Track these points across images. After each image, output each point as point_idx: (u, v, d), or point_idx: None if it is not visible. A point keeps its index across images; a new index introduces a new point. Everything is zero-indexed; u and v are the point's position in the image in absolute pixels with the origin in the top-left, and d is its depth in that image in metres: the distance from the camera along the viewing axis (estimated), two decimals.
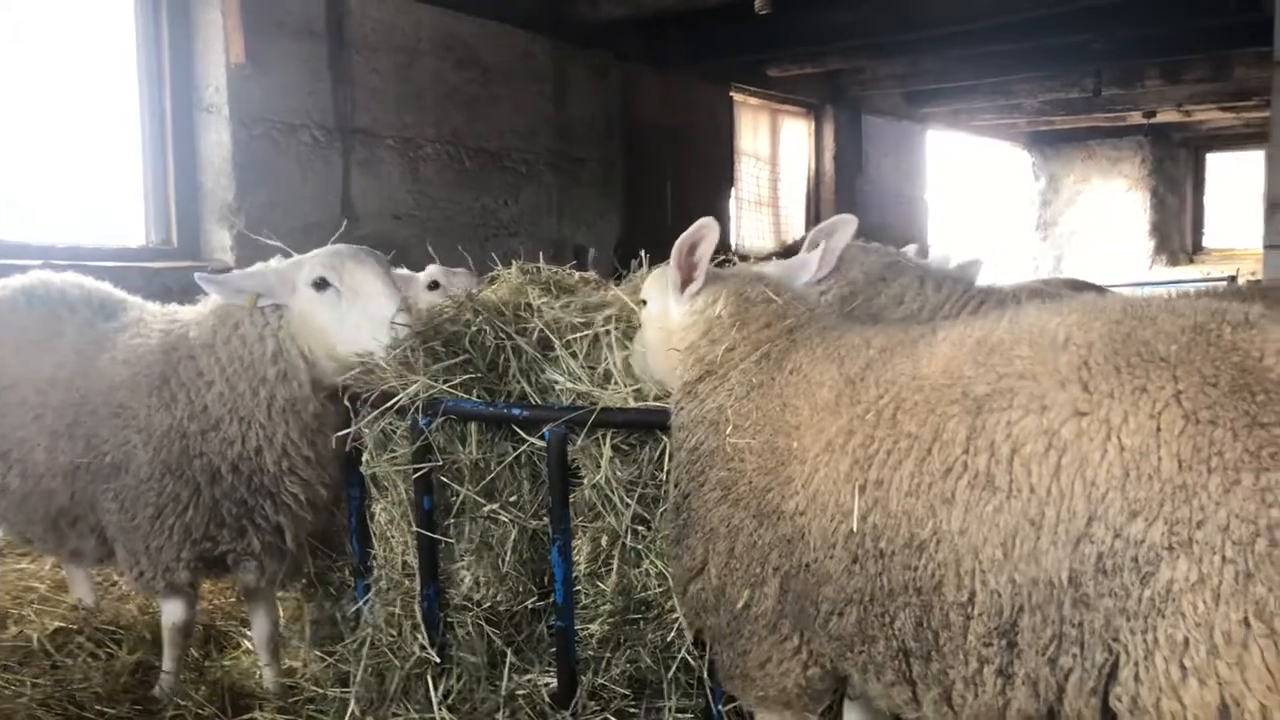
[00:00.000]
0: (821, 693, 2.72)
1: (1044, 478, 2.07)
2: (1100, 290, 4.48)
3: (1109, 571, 1.98)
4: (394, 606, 3.64)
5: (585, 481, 3.37)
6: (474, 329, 3.63)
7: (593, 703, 3.39)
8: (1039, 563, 2.06)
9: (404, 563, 3.66)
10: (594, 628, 3.41)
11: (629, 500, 3.32)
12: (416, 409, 3.42)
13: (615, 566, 3.38)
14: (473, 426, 3.49)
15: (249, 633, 4.27)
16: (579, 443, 3.34)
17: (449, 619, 3.56)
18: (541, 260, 4.40)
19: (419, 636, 3.54)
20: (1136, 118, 16.05)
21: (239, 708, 3.82)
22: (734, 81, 11.83)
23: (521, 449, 3.45)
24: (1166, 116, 15.90)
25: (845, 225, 3.71)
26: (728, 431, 2.72)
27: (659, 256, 3.51)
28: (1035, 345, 2.22)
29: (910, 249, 4.38)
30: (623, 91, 10.06)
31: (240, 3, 6.70)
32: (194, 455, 3.59)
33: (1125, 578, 1.96)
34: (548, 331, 3.66)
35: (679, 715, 3.33)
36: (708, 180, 11.36)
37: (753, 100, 12.58)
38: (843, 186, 13.65)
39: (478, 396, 3.48)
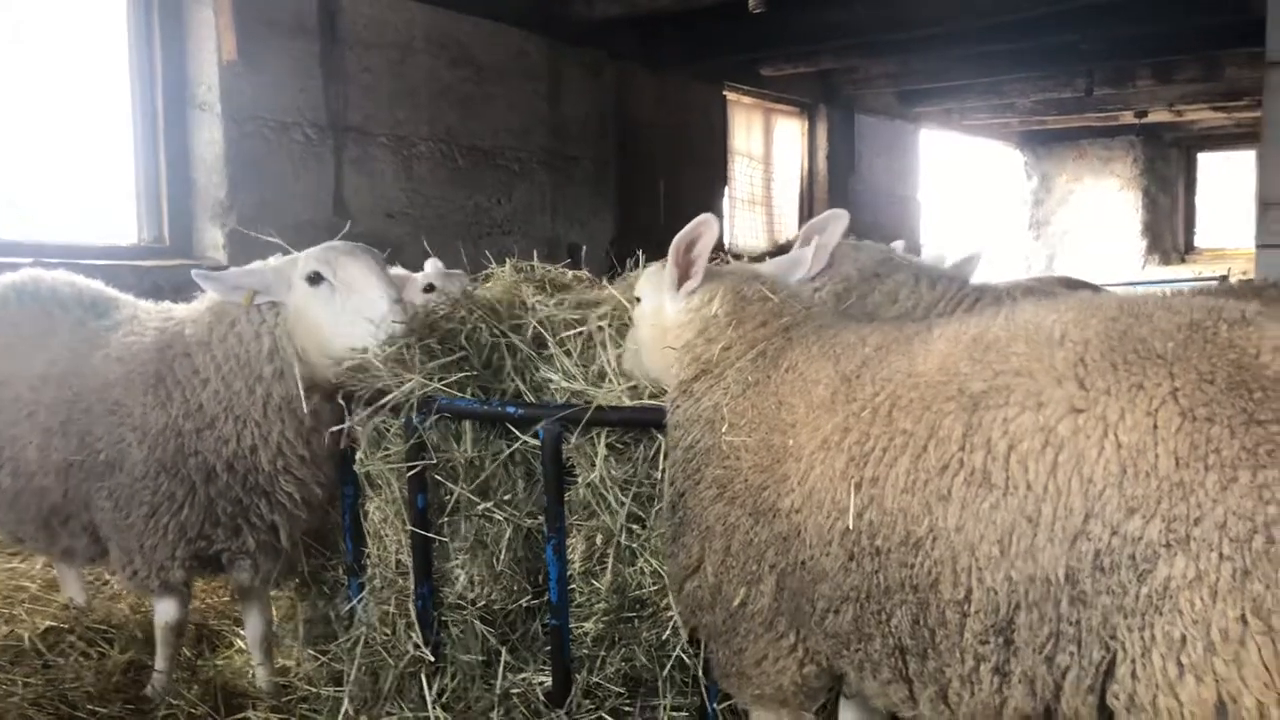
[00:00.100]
0: (817, 691, 2.72)
1: (1041, 475, 2.07)
2: (1095, 288, 4.49)
3: (1106, 569, 1.98)
4: (388, 605, 3.63)
5: (580, 480, 3.37)
6: (469, 326, 3.62)
7: (587, 701, 3.39)
8: (1036, 560, 2.06)
9: (398, 561, 3.66)
10: (589, 626, 3.41)
11: (623, 498, 3.31)
12: (411, 407, 3.41)
13: (610, 565, 3.38)
14: (467, 424, 3.49)
15: (242, 632, 4.26)
16: (574, 441, 3.33)
17: (443, 617, 3.55)
18: (535, 258, 4.40)
19: (413, 635, 3.53)
20: (1128, 117, 16.08)
21: (232, 707, 3.81)
22: (727, 80, 11.83)
23: (515, 446, 3.44)
24: (1158, 116, 15.95)
25: (837, 221, 3.70)
26: (724, 429, 2.72)
27: (653, 255, 3.50)
28: (1031, 342, 2.22)
29: (898, 245, 4.38)
30: (617, 90, 10.05)
31: (232, 0, 6.68)
32: (189, 453, 3.58)
33: (1122, 575, 1.96)
34: (541, 329, 3.65)
35: (674, 713, 3.32)
36: (701, 179, 11.36)
37: (746, 99, 12.58)
38: (836, 186, 13.66)
39: (472, 394, 3.47)
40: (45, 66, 6.67)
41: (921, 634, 2.26)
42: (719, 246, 2.99)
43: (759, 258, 5.04)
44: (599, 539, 3.40)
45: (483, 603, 3.51)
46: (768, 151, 13.16)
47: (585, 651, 3.42)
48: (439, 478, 3.49)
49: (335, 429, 3.61)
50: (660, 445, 3.21)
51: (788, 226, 13.39)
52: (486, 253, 4.88)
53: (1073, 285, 4.83)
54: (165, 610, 3.82)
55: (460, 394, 3.44)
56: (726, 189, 12.13)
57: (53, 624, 4.48)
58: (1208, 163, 21.10)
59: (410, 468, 3.46)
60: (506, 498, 3.50)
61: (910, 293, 3.69)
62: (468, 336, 3.60)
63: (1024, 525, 2.08)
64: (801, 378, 2.63)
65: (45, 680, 3.93)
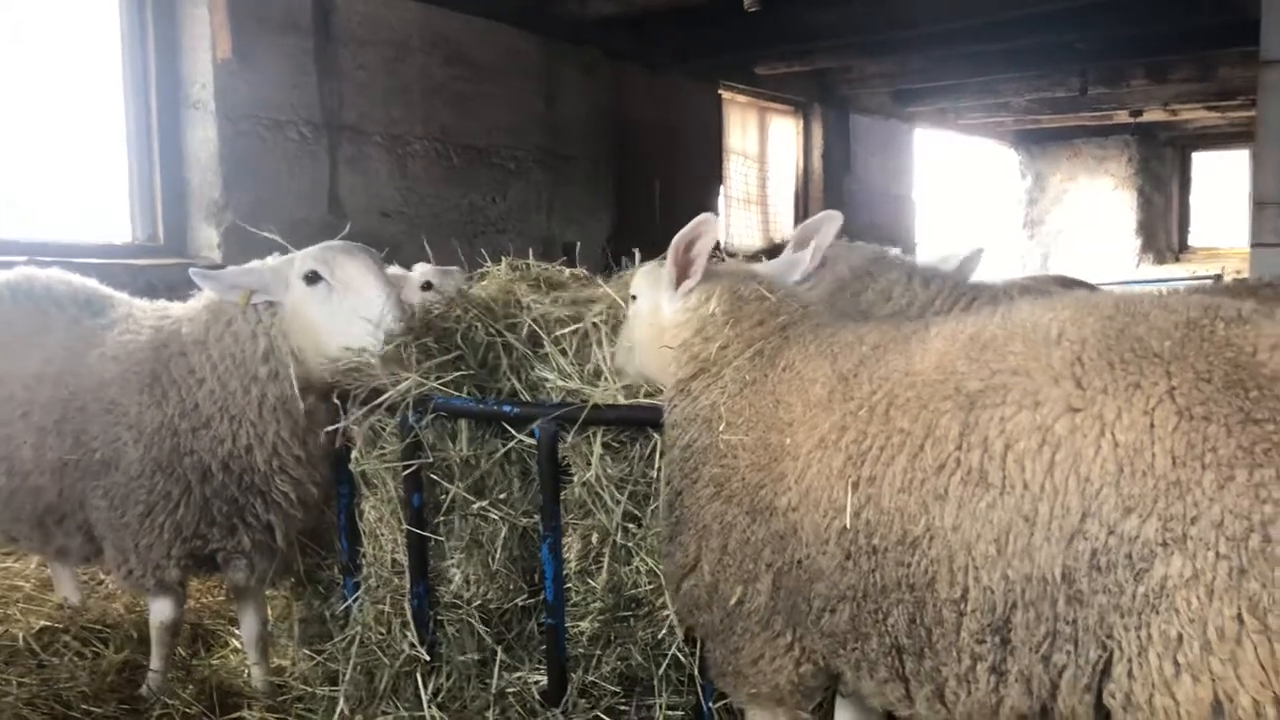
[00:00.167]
0: (813, 690, 2.71)
1: (1037, 474, 2.07)
2: (1090, 287, 4.49)
3: (1103, 568, 1.98)
4: (383, 604, 3.63)
5: (576, 479, 3.36)
6: (464, 325, 3.61)
7: (583, 700, 3.39)
8: (1032, 559, 2.06)
9: (393, 560, 3.65)
10: (584, 625, 3.40)
11: (619, 497, 3.31)
12: (406, 406, 3.40)
13: (606, 564, 3.37)
14: (463, 423, 3.48)
15: (237, 631, 4.25)
16: (569, 440, 3.33)
17: (439, 617, 3.55)
18: (531, 257, 4.40)
19: (408, 634, 3.53)
20: (1123, 117, 16.10)
21: (227, 707, 3.80)
22: (722, 79, 11.82)
23: (510, 445, 3.44)
24: (1153, 116, 15.96)
25: (831, 221, 3.70)
26: (721, 428, 2.71)
27: (648, 253, 3.50)
28: (1028, 341, 2.22)
29: (895, 251, 4.38)
30: (612, 89, 10.05)
31: None
32: (185, 453, 3.57)
33: (1119, 574, 1.96)
34: (536, 327, 3.65)
35: (670, 713, 3.32)
36: (696, 178, 11.36)
37: (741, 98, 12.58)
38: (831, 185, 13.66)
39: (468, 393, 3.46)
40: (41, 66, 6.65)
41: (918, 633, 2.26)
42: (714, 245, 2.99)
43: (754, 256, 5.04)
44: (595, 538, 3.40)
45: (478, 602, 3.50)
46: (763, 150, 13.17)
47: (581, 650, 3.41)
48: (435, 477, 3.48)
49: (331, 428, 3.61)
50: (656, 444, 3.20)
51: (783, 225, 13.40)
52: (482, 251, 4.87)
53: (1068, 284, 4.83)
54: (160, 610, 3.81)
55: (456, 393, 3.43)
56: (721, 188, 12.13)
57: (47, 623, 4.47)
58: (1202, 162, 21.15)
59: (406, 467, 3.45)
60: (502, 497, 3.50)
61: (904, 290, 3.69)
62: (463, 335, 3.59)
63: (1021, 524, 2.08)
64: (799, 376, 2.63)
65: (40, 680, 3.92)
